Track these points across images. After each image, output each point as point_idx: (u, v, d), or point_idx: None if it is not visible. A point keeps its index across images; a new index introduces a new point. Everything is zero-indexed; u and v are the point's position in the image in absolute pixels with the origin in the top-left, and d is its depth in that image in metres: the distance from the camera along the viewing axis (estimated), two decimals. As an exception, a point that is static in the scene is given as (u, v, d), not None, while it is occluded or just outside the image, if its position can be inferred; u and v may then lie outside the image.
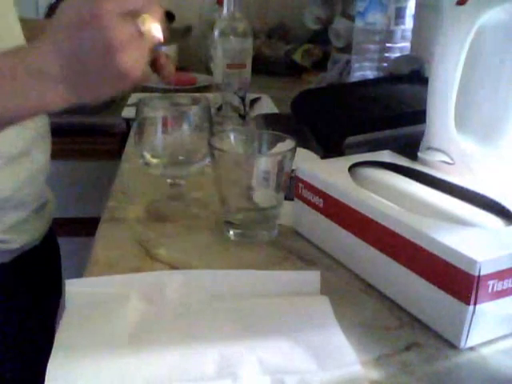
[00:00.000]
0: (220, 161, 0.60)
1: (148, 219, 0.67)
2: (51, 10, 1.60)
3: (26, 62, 0.49)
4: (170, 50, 1.64)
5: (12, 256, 0.75)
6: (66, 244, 1.14)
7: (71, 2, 0.48)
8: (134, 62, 0.48)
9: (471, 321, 0.44)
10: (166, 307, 0.50)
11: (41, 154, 0.78)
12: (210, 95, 1.03)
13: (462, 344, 0.45)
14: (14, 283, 0.78)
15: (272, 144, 0.63)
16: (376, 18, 1.11)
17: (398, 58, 1.10)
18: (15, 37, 0.72)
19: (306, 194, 0.61)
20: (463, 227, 0.49)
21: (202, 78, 1.43)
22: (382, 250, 0.52)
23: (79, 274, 0.55)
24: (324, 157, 0.74)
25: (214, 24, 1.02)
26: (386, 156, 0.65)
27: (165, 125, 0.65)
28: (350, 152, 0.72)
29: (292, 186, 0.63)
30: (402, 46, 1.14)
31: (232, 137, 0.65)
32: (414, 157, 0.65)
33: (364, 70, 1.16)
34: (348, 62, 1.21)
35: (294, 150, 0.59)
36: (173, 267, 0.57)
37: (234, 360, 0.43)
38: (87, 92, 0.50)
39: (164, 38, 0.51)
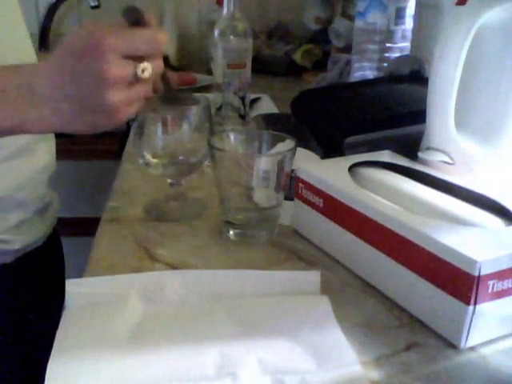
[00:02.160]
0: (220, 161, 0.60)
1: (148, 219, 0.67)
2: (51, 11, 1.61)
3: (21, 77, 0.50)
4: (170, 51, 1.64)
5: (14, 256, 0.75)
6: (65, 244, 1.14)
7: (80, 32, 0.49)
8: (122, 102, 0.49)
9: (471, 321, 0.44)
10: (165, 307, 0.50)
11: (44, 154, 0.78)
12: (210, 95, 1.03)
13: (462, 344, 0.45)
14: (16, 284, 0.78)
15: (272, 144, 0.63)
16: (376, 18, 1.11)
17: (398, 57, 1.10)
18: (25, 49, 0.74)
19: (306, 194, 0.61)
20: (463, 227, 0.49)
21: (202, 78, 1.43)
22: (381, 250, 0.52)
23: (79, 273, 0.55)
24: (324, 157, 0.74)
25: (214, 24, 1.02)
26: (385, 156, 0.65)
27: (165, 125, 0.65)
28: (350, 152, 0.72)
29: (292, 186, 0.63)
30: (401, 46, 1.14)
31: (232, 137, 0.65)
32: (414, 157, 0.65)
33: (364, 70, 1.16)
34: (348, 62, 1.20)
35: (293, 150, 0.59)
36: (173, 267, 0.57)
37: (234, 360, 0.43)
38: (72, 120, 0.51)
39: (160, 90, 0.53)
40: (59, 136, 0.89)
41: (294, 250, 0.61)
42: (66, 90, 0.49)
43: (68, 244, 1.17)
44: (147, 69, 0.49)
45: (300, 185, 0.62)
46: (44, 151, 0.78)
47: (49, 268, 0.87)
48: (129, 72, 0.49)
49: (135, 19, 0.50)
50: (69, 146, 1.24)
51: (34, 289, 0.82)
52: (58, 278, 0.90)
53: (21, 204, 0.74)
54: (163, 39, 0.50)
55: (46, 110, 0.50)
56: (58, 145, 0.84)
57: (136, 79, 0.49)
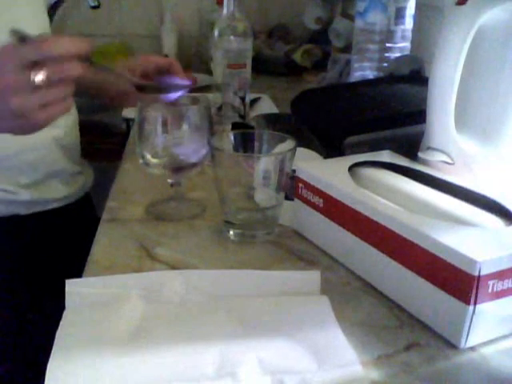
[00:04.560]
0: (220, 161, 0.60)
1: (148, 219, 0.67)
2: (51, 11, 1.60)
3: None
4: (170, 51, 1.64)
5: (28, 209, 0.83)
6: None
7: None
8: (32, 105, 0.54)
9: (471, 321, 0.44)
10: (165, 307, 0.50)
11: (53, 127, 0.81)
12: (210, 95, 1.03)
13: (462, 344, 0.45)
14: (31, 238, 0.85)
15: (272, 144, 0.63)
16: (376, 18, 1.11)
17: (398, 57, 1.10)
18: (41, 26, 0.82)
19: (306, 194, 0.61)
20: (463, 227, 0.49)
21: (202, 78, 1.43)
22: (381, 249, 0.52)
23: (79, 274, 0.55)
24: (327, 156, 0.74)
25: (214, 24, 1.02)
26: (385, 156, 0.65)
27: (165, 125, 0.65)
28: (350, 152, 0.72)
29: (292, 186, 0.63)
30: (402, 46, 1.14)
31: (232, 137, 0.65)
32: (414, 157, 0.65)
33: (364, 70, 1.16)
34: (348, 62, 1.20)
35: (294, 150, 0.60)
36: (173, 267, 0.57)
37: (234, 360, 0.43)
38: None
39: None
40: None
41: (293, 250, 0.61)
42: None
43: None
44: (40, 75, 0.53)
45: (300, 185, 0.62)
46: (52, 125, 0.81)
47: (71, 232, 0.93)
48: (23, 78, 0.53)
49: (22, 40, 0.55)
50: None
51: (48, 249, 0.87)
52: (76, 252, 0.94)
53: (32, 165, 0.83)
54: (50, 46, 0.54)
55: None
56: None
57: (35, 84, 0.53)
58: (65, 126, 0.89)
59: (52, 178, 0.87)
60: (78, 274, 0.54)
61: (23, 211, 0.83)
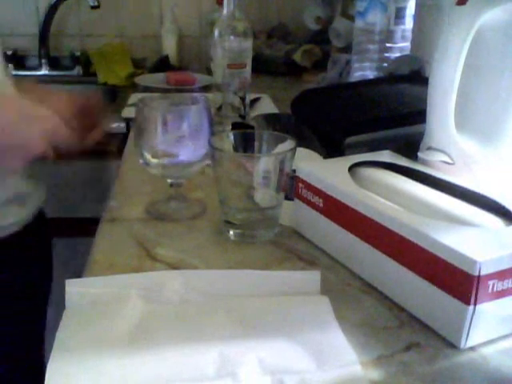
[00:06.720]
0: (220, 161, 0.60)
1: (148, 219, 0.67)
2: (51, 11, 1.60)
3: None
4: (170, 51, 1.64)
5: None
6: (65, 244, 1.14)
7: None
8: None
9: (471, 321, 0.44)
10: (165, 307, 0.50)
11: None
12: (209, 95, 1.03)
13: (462, 344, 0.45)
14: None
15: (272, 144, 0.63)
16: (376, 18, 1.12)
17: (398, 57, 1.10)
18: None
19: (306, 194, 0.61)
20: (463, 227, 0.49)
21: (201, 78, 1.43)
22: (382, 250, 0.52)
23: (79, 274, 0.55)
24: (327, 156, 0.74)
25: (214, 24, 1.02)
26: (385, 156, 0.65)
27: (165, 125, 0.65)
28: (350, 152, 0.72)
29: (292, 186, 0.63)
30: (401, 45, 1.14)
31: (232, 137, 0.65)
32: (414, 157, 0.65)
33: (364, 70, 1.16)
34: (348, 62, 1.21)
35: (294, 150, 0.59)
36: (173, 267, 0.57)
37: (234, 360, 0.43)
38: None
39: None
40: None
41: (293, 250, 0.61)
42: None
43: (68, 244, 1.17)
44: None
45: (300, 185, 0.62)
46: None
47: (30, 258, 0.88)
48: None
49: None
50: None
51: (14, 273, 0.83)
52: (43, 276, 0.92)
53: None
54: None
55: None
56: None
57: None
58: None
59: (10, 202, 0.81)
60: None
61: None
